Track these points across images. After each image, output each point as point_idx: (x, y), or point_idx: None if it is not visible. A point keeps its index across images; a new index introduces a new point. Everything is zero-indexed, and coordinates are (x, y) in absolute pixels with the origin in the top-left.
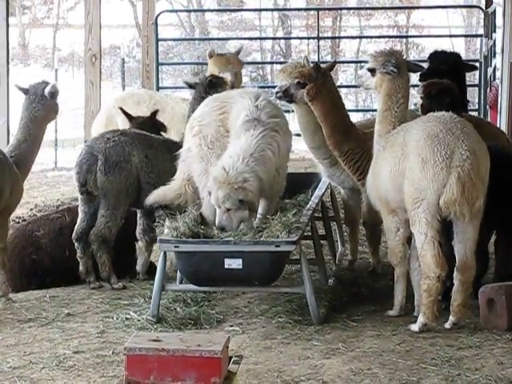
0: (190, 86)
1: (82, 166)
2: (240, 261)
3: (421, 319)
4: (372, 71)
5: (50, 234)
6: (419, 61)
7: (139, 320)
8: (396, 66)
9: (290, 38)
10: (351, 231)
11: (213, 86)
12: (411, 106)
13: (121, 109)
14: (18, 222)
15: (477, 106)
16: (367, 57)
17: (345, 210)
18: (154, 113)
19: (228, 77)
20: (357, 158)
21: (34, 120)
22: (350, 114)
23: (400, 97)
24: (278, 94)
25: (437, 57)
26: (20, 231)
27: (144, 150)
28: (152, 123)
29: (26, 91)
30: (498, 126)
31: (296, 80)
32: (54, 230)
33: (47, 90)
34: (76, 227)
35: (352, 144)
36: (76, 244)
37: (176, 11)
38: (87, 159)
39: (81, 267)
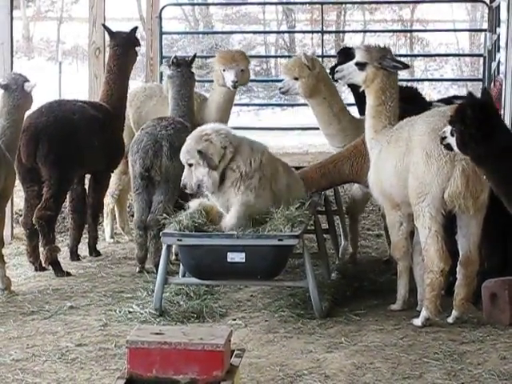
0: (178, 64)
1: (147, 151)
2: (243, 254)
3: (424, 313)
4: (362, 65)
5: None
6: (424, 55)
7: (142, 313)
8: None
9: (294, 32)
10: (352, 223)
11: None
12: None
13: (103, 25)
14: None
15: None
16: (356, 51)
17: (351, 201)
18: (134, 29)
19: (231, 76)
20: None
21: (16, 107)
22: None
23: (393, 92)
24: None
25: (344, 52)
26: None
27: None
28: (131, 38)
29: (5, 86)
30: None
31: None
32: None
33: (29, 87)
34: (138, 215)
35: None
36: (139, 232)
37: (180, 5)
38: (153, 145)
39: (140, 253)
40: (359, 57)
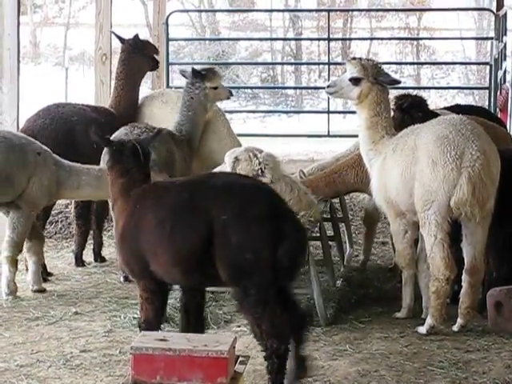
0: (184, 75)
1: None
2: None
3: (429, 321)
4: (357, 80)
5: None
6: (430, 63)
7: None
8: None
9: (301, 39)
10: (368, 231)
11: (199, 76)
12: None
13: (113, 32)
14: None
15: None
16: (348, 65)
17: (364, 212)
18: (137, 35)
19: None
20: None
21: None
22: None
23: (387, 103)
24: None
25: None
26: None
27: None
28: (139, 45)
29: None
30: (508, 128)
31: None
32: None
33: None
34: None
35: None
36: None
37: (187, 11)
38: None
39: None
40: (354, 72)
